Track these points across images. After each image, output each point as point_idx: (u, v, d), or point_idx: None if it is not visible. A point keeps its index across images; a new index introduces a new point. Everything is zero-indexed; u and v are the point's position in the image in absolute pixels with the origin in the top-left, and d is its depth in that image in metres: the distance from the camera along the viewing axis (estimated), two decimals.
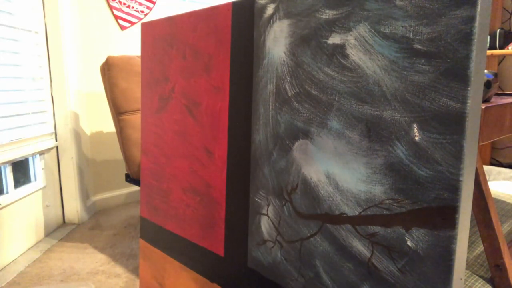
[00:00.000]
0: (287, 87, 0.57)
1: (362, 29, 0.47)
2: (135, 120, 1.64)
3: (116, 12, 2.12)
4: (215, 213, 0.72)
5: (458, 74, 0.39)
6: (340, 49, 0.50)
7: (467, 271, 0.73)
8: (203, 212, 0.75)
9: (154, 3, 2.27)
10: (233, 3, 0.66)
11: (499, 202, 1.04)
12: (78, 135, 1.96)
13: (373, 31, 0.46)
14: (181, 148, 0.79)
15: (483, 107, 0.54)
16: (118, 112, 1.63)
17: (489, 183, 1.24)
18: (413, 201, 0.44)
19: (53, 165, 1.89)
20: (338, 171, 0.51)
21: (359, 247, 0.49)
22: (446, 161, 0.41)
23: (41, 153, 1.81)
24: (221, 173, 0.70)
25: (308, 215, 0.55)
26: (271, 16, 0.59)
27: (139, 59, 1.67)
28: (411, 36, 0.43)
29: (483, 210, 0.65)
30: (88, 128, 2.08)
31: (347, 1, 0.48)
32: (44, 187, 1.82)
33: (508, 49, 2.14)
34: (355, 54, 0.48)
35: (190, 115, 0.76)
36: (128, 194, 2.27)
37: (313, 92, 0.53)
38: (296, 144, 0.56)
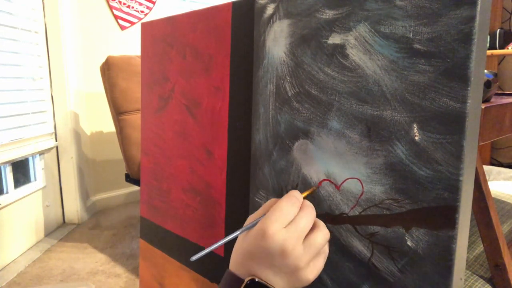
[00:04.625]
0: (287, 87, 0.57)
1: (362, 29, 0.47)
2: (135, 120, 1.65)
3: (116, 12, 2.12)
4: (215, 213, 0.72)
5: (458, 74, 0.39)
6: (340, 49, 0.50)
7: (467, 271, 0.73)
8: (203, 212, 0.75)
9: (154, 3, 2.26)
10: (233, 3, 0.66)
11: (499, 202, 1.04)
12: (78, 135, 1.96)
13: (373, 31, 0.46)
14: (181, 148, 0.79)
15: (483, 107, 0.54)
16: (118, 112, 1.63)
17: (489, 183, 1.24)
18: (413, 201, 0.44)
19: (53, 165, 1.89)
20: (338, 171, 0.51)
21: (359, 247, 0.49)
22: (446, 161, 0.41)
23: (41, 153, 1.81)
24: (221, 173, 0.70)
25: None
26: (271, 16, 0.59)
27: (139, 59, 1.68)
28: (411, 36, 0.43)
29: (483, 210, 0.65)
30: (88, 128, 2.08)
31: (347, 1, 0.48)
32: (44, 187, 1.82)
33: (508, 49, 2.14)
34: (355, 54, 0.48)
35: (190, 115, 0.76)
36: (128, 194, 2.27)
37: (313, 92, 0.53)
38: (296, 144, 0.56)
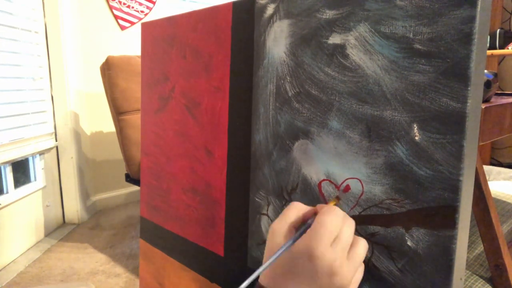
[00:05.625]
0: (287, 87, 0.57)
1: (362, 29, 0.47)
2: (135, 120, 1.65)
3: (116, 12, 2.12)
4: (215, 213, 0.72)
5: (458, 74, 0.39)
6: (340, 49, 0.50)
7: (467, 271, 0.73)
8: (203, 212, 0.75)
9: (154, 3, 2.27)
10: (233, 3, 0.66)
11: (499, 202, 1.04)
12: (78, 135, 1.96)
13: (373, 31, 0.46)
14: (181, 148, 0.79)
15: (483, 107, 0.54)
16: (118, 112, 1.63)
17: (489, 183, 1.24)
18: (413, 201, 0.44)
19: (53, 165, 1.89)
20: (338, 171, 0.51)
21: None
22: (446, 161, 0.41)
23: (41, 153, 1.81)
24: (221, 173, 0.70)
25: None
26: (271, 16, 0.59)
27: (139, 59, 1.68)
28: (411, 36, 0.43)
29: (483, 210, 0.65)
30: (88, 128, 2.08)
31: (347, 1, 0.48)
32: (44, 187, 1.82)
33: (508, 49, 2.14)
34: (355, 54, 0.48)
35: (190, 115, 0.76)
36: (128, 194, 2.27)
37: (313, 92, 0.53)
38: (296, 144, 0.56)
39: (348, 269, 0.37)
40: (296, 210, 0.42)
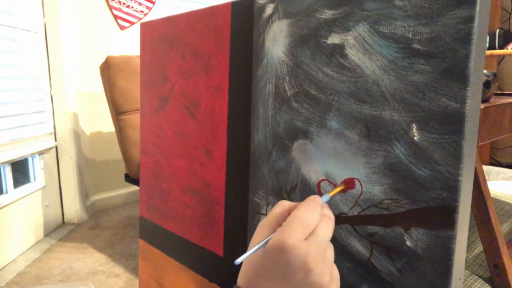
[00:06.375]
0: (286, 87, 0.57)
1: (361, 29, 0.47)
2: (134, 120, 1.64)
3: (115, 12, 2.12)
4: (215, 213, 0.72)
5: (457, 74, 0.39)
6: (339, 49, 0.50)
7: (466, 271, 0.73)
8: (203, 212, 0.75)
9: (153, 3, 2.26)
10: (233, 3, 0.66)
11: (498, 202, 1.04)
12: (77, 135, 1.96)
13: (372, 31, 0.46)
14: (181, 148, 0.79)
15: (482, 107, 0.54)
16: (117, 112, 1.63)
17: (488, 183, 1.24)
18: (412, 201, 0.44)
19: (53, 165, 1.89)
20: (337, 171, 0.51)
21: (358, 247, 0.49)
22: (445, 161, 0.41)
23: (41, 153, 1.81)
24: (220, 173, 0.70)
25: None
26: (271, 16, 0.59)
27: (139, 59, 1.67)
28: (410, 36, 0.43)
29: (482, 210, 0.65)
30: (88, 128, 2.08)
31: (346, 1, 0.48)
32: (44, 187, 1.82)
33: (507, 49, 2.14)
34: (354, 54, 0.48)
35: (190, 115, 0.76)
36: (127, 194, 2.27)
37: (312, 92, 0.53)
38: (296, 144, 0.56)
39: (324, 268, 0.35)
40: (281, 206, 0.40)
